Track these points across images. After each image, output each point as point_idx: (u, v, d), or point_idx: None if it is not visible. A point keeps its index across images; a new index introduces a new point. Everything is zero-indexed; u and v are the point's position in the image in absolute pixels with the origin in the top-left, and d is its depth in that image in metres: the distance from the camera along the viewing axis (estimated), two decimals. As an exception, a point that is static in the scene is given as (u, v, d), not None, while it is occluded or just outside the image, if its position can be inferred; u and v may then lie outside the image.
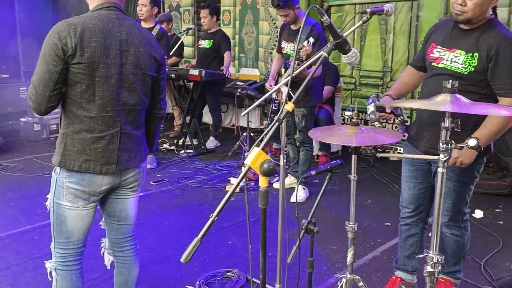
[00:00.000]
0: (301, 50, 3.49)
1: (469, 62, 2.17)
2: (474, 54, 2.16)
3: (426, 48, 2.40)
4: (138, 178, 2.08)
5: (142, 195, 4.28)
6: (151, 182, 4.61)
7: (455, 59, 2.22)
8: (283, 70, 4.16)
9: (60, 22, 1.81)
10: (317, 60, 1.77)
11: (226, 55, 5.68)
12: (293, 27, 4.07)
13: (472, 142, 2.06)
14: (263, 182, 1.60)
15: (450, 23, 2.33)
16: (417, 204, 2.49)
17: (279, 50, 4.29)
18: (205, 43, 5.83)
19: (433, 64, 2.31)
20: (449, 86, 1.63)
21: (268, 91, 4.30)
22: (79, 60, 1.77)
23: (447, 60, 2.25)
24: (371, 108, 2.32)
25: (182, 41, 6.14)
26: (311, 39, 3.77)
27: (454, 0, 2.17)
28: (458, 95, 1.62)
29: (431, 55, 2.33)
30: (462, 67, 2.19)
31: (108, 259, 2.23)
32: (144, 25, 5.02)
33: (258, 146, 1.60)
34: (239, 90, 5.58)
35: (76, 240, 1.99)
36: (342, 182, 4.60)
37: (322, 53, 1.65)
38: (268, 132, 1.64)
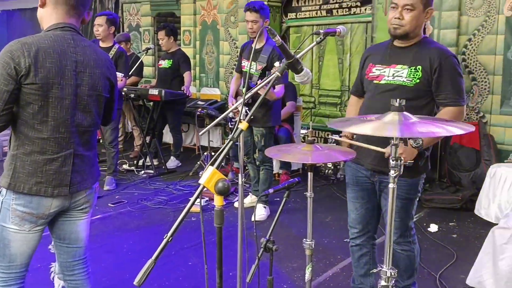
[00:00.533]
0: (271, 71, 3.49)
1: (413, 75, 2.25)
2: (417, 67, 2.25)
3: (364, 71, 2.46)
4: (89, 199, 2.04)
5: (100, 217, 4.18)
6: (109, 204, 4.51)
7: (397, 74, 2.29)
8: (243, 90, 4.20)
9: (13, 41, 1.77)
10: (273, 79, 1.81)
11: (186, 75, 5.69)
12: (255, 45, 4.12)
13: (416, 142, 2.11)
14: (218, 201, 1.61)
15: (384, 45, 2.44)
16: (364, 223, 2.51)
17: (239, 70, 4.33)
18: (164, 63, 5.82)
19: (375, 82, 2.35)
20: (396, 104, 1.69)
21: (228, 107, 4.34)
22: (33, 81, 1.74)
23: (388, 76, 2.31)
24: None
25: (141, 61, 6.11)
26: (277, 63, 3.84)
27: (391, 16, 2.27)
28: (406, 113, 1.68)
29: (371, 74, 2.39)
30: (407, 80, 2.26)
31: (58, 284, 2.16)
32: (102, 44, 4.99)
33: (212, 165, 1.61)
34: (199, 109, 5.58)
35: (19, 264, 1.91)
36: (302, 200, 4.64)
37: (276, 73, 1.69)
38: (222, 151, 1.65)
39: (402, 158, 2.16)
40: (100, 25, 4.93)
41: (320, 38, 2.18)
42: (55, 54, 1.79)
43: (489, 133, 4.77)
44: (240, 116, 1.76)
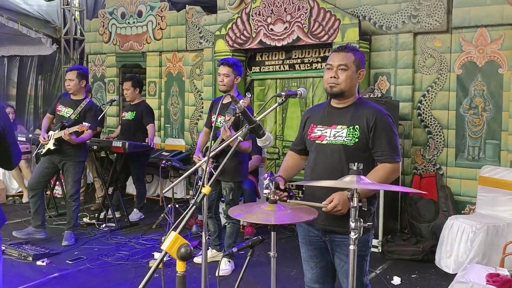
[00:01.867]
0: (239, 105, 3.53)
1: (352, 134, 2.36)
2: (355, 126, 2.36)
3: (305, 131, 2.55)
4: None
5: (57, 275, 4.01)
6: (67, 261, 4.34)
7: (338, 134, 2.39)
8: (213, 143, 4.22)
9: None
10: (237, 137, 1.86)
11: (150, 127, 5.68)
12: (224, 100, 4.20)
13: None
14: (180, 266, 1.59)
15: (322, 106, 2.56)
16: (321, 282, 2.52)
17: (208, 125, 4.38)
18: (128, 115, 5.81)
19: (317, 142, 2.44)
20: (355, 168, 1.76)
21: (195, 162, 4.33)
22: None
23: (330, 136, 2.41)
24: (266, 182, 2.34)
25: (104, 112, 6.07)
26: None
27: (327, 76, 2.40)
28: (362, 176, 1.75)
29: (313, 134, 2.47)
30: (347, 139, 2.36)
31: None
32: (73, 97, 5.00)
33: (175, 230, 1.61)
34: (163, 161, 5.56)
35: None
36: (266, 252, 4.61)
37: (239, 138, 1.73)
38: (185, 216, 1.66)
39: (336, 210, 2.23)
40: (71, 80, 4.92)
41: (282, 100, 2.28)
42: None
43: (446, 184, 4.95)
44: (204, 179, 1.77)
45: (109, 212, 5.58)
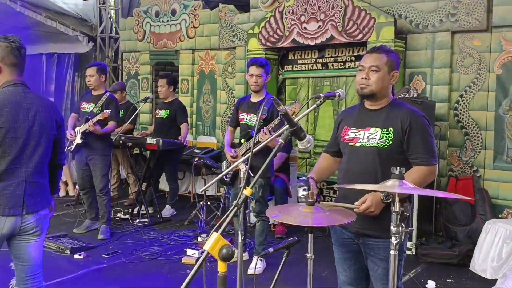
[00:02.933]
0: (289, 107, 3.52)
1: (386, 137, 2.32)
2: (389, 128, 2.32)
3: (339, 133, 2.53)
4: (39, 224, 2.46)
5: (94, 269, 4.12)
6: (103, 255, 4.45)
7: (371, 136, 2.36)
8: (243, 140, 4.25)
9: None
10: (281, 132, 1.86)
11: (183, 126, 5.75)
12: (253, 99, 4.22)
13: (387, 198, 2.15)
14: (221, 267, 1.61)
15: (355, 108, 2.54)
16: (355, 284, 2.50)
17: (234, 124, 4.40)
18: (161, 113, 5.89)
19: (350, 144, 2.42)
20: (397, 172, 1.74)
21: (226, 158, 4.36)
22: None
23: (363, 139, 2.38)
24: (300, 191, 2.34)
25: (138, 110, 6.17)
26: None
27: (359, 77, 2.38)
28: (404, 181, 1.73)
29: (346, 137, 2.45)
30: (380, 141, 2.32)
31: None
32: (94, 93, 5.17)
33: (217, 231, 1.63)
34: (196, 159, 5.61)
35: None
36: (298, 252, 4.60)
37: (280, 140, 1.74)
38: (226, 217, 1.67)
39: (369, 211, 2.21)
40: (91, 76, 5.09)
41: (320, 101, 2.27)
42: (10, 104, 2.36)
43: (483, 187, 4.83)
44: (244, 183, 1.78)
45: (142, 207, 5.69)
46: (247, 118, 4.23)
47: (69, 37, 8.34)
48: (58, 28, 7.95)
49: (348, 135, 2.45)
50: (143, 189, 5.75)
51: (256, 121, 4.12)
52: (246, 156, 2.25)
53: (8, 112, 2.33)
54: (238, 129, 4.47)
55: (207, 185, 2.69)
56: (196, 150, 6.66)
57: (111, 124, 4.98)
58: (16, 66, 2.44)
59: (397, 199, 1.72)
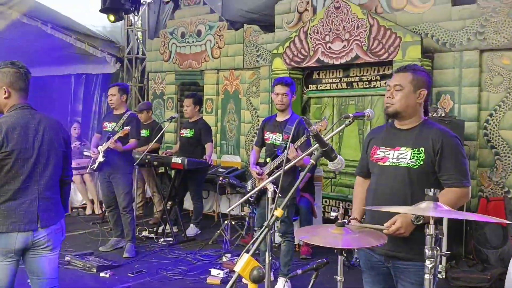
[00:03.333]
0: (316, 125, 3.49)
1: (417, 157, 2.27)
2: (420, 148, 2.27)
3: (368, 153, 2.49)
4: (50, 238, 2.58)
5: (120, 287, 4.12)
6: (129, 273, 4.46)
7: (401, 156, 2.31)
8: (268, 159, 4.23)
9: None
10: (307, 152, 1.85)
11: (208, 145, 5.78)
12: (278, 118, 4.21)
13: (418, 219, 2.09)
14: (252, 289, 1.59)
15: (385, 127, 2.51)
16: None
17: (259, 144, 4.39)
18: (187, 132, 5.94)
19: (379, 164, 2.38)
20: (431, 194, 1.70)
21: (251, 176, 4.35)
22: (5, 149, 2.45)
23: (393, 158, 2.33)
24: (332, 213, 2.29)
25: (164, 129, 6.24)
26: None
27: (386, 96, 2.38)
28: (439, 203, 1.69)
29: (375, 156, 2.41)
30: (411, 161, 2.27)
31: None
32: (115, 112, 5.23)
33: (247, 252, 1.61)
34: (221, 178, 5.62)
35: None
36: (324, 274, 4.52)
37: (311, 161, 1.73)
38: (257, 238, 1.66)
39: (398, 233, 2.16)
40: (113, 95, 5.15)
41: (349, 121, 2.26)
42: (19, 127, 2.51)
43: (515, 209, 4.69)
44: (274, 205, 1.77)
45: (167, 226, 5.70)
46: (272, 137, 4.22)
47: (97, 58, 8.56)
48: (87, 50, 8.17)
49: (377, 154, 2.42)
50: (168, 207, 5.78)
51: (282, 140, 4.11)
52: (275, 175, 2.24)
53: (18, 134, 2.49)
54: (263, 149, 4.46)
55: (234, 205, 2.69)
56: (220, 169, 6.67)
57: (131, 141, 5.06)
58: (23, 91, 2.61)
59: (431, 221, 1.68)
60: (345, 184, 6.13)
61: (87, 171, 6.55)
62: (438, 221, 2.28)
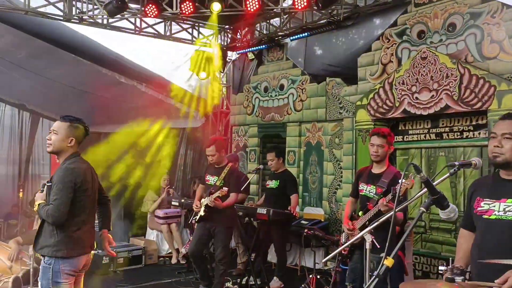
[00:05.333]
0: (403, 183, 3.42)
1: None
2: None
3: (471, 205, 2.36)
4: (88, 261, 3.26)
5: None
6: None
7: (508, 208, 2.17)
8: (360, 213, 4.12)
9: (68, 170, 3.13)
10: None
11: (293, 197, 5.78)
12: (374, 170, 4.13)
13: None
14: None
15: (490, 177, 2.38)
16: None
17: (354, 194, 4.31)
18: (272, 183, 6.00)
19: (484, 217, 2.24)
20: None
21: (343, 230, 4.25)
22: (83, 188, 3.14)
23: (499, 211, 2.20)
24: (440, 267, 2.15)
25: (249, 180, 6.36)
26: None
27: (491, 145, 2.25)
28: None
29: (479, 208, 2.28)
30: None
31: None
32: (217, 166, 5.33)
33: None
34: (305, 230, 5.55)
35: None
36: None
37: (421, 208, 1.67)
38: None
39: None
40: (212, 155, 5.26)
41: (455, 170, 2.17)
42: (87, 170, 3.21)
43: None
44: (384, 254, 1.71)
45: (251, 278, 5.66)
46: (366, 189, 4.13)
47: (184, 112, 9.03)
48: (176, 106, 8.67)
49: (481, 206, 2.29)
50: (252, 259, 5.76)
51: (376, 194, 4.01)
52: (373, 225, 2.18)
53: (86, 176, 3.17)
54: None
55: (329, 256, 2.62)
56: (303, 221, 6.60)
57: (232, 196, 5.10)
58: (81, 143, 3.28)
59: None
60: (437, 240, 5.78)
61: (189, 222, 6.69)
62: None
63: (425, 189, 2.13)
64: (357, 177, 4.30)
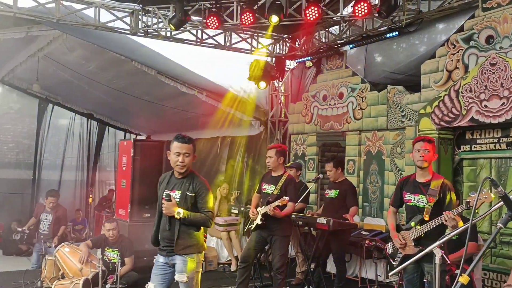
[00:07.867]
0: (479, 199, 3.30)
1: None
2: None
3: None
4: None
5: None
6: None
7: None
8: (413, 223, 4.00)
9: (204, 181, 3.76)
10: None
11: (353, 209, 5.69)
12: (419, 179, 4.03)
13: None
14: None
15: None
16: None
17: (397, 204, 4.23)
18: (331, 193, 5.93)
19: None
20: None
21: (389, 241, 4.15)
22: None
23: None
24: None
25: (309, 189, 6.32)
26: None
27: None
28: None
29: None
30: None
31: None
32: (274, 174, 5.31)
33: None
34: (367, 241, 5.44)
35: None
36: None
37: (499, 224, 1.60)
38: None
39: None
40: (270, 157, 5.27)
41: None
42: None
43: None
44: (458, 276, 1.65)
45: (310, 288, 5.62)
46: (414, 199, 4.01)
47: (243, 121, 9.16)
48: (236, 115, 8.81)
49: None
50: (312, 269, 5.71)
51: (426, 203, 3.90)
52: (444, 239, 2.10)
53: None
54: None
55: (397, 269, 2.55)
56: (363, 232, 6.47)
57: (290, 206, 5.05)
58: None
59: None
60: (508, 256, 5.47)
61: (245, 230, 6.72)
62: None
63: (501, 203, 2.04)
64: (400, 186, 4.21)
